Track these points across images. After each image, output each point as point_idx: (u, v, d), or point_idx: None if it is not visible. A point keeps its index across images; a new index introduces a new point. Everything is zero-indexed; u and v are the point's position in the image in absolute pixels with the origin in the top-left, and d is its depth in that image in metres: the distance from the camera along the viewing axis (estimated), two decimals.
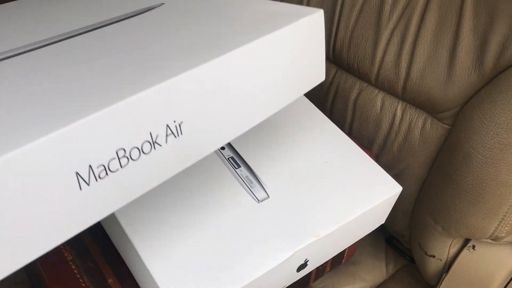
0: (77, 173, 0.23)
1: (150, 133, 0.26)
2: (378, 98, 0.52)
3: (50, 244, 0.23)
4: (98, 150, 0.23)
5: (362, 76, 0.52)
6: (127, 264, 0.39)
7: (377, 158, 0.55)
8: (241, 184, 0.39)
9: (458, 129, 0.45)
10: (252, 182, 0.40)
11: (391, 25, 0.48)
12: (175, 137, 0.27)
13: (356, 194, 0.40)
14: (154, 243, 0.35)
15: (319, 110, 0.48)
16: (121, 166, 0.25)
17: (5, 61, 0.31)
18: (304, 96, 0.48)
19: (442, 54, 0.44)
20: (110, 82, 0.26)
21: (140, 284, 0.38)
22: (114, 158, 0.24)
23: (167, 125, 0.27)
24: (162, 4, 0.41)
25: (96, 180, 0.24)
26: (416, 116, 0.49)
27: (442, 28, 0.44)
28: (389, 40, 0.48)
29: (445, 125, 0.47)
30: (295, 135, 0.45)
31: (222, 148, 0.41)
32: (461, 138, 0.44)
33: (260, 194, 0.39)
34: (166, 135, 0.27)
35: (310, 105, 0.48)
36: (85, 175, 0.23)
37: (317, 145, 0.44)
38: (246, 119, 0.32)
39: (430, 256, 0.52)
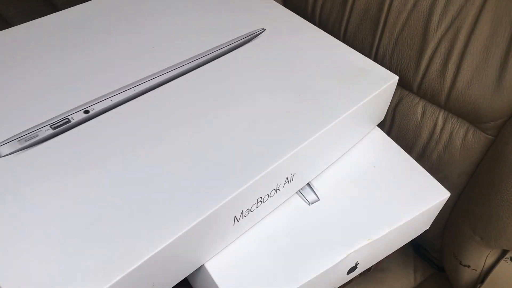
0: (235, 217, 0.34)
1: (277, 185, 0.37)
2: (419, 106, 0.52)
3: (215, 251, 0.36)
4: (249, 203, 0.35)
5: (404, 84, 0.53)
6: None
7: None
8: None
9: (503, 140, 0.45)
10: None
11: (438, 34, 0.48)
12: (288, 183, 0.38)
13: (405, 198, 0.41)
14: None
15: None
16: (257, 207, 0.36)
17: (139, 99, 0.39)
18: None
19: (492, 66, 0.45)
20: (248, 155, 0.35)
21: (193, 284, 0.39)
22: (255, 204, 0.36)
23: (287, 177, 0.37)
24: (264, 30, 0.48)
25: (243, 218, 0.35)
26: (458, 126, 0.50)
27: (494, 39, 0.44)
28: (435, 50, 0.48)
29: (489, 136, 0.47)
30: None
31: None
32: (507, 150, 0.44)
33: (310, 197, 0.40)
34: (284, 183, 0.37)
35: None
36: (238, 217, 0.35)
37: (364, 149, 0.45)
38: (329, 160, 0.43)
39: (465, 266, 0.52)
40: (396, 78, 0.43)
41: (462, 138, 0.49)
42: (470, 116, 0.48)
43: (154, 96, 0.39)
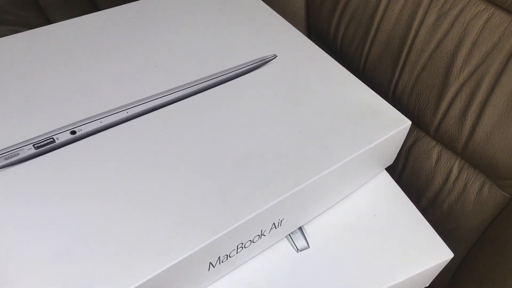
0: (210, 263, 0.32)
1: (261, 230, 0.34)
2: (434, 150, 0.49)
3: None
4: (227, 248, 0.32)
5: (421, 125, 0.50)
6: None
7: (423, 213, 0.52)
8: None
9: None
10: None
11: (461, 79, 0.45)
12: (275, 228, 0.35)
13: (404, 256, 0.38)
14: None
15: None
16: (236, 253, 0.33)
17: (129, 123, 0.37)
18: None
19: None
20: (233, 197, 0.33)
21: None
22: (234, 250, 0.33)
23: (273, 223, 0.34)
24: (275, 56, 0.45)
25: (220, 264, 0.33)
26: (473, 178, 0.46)
27: None
28: (456, 94, 0.45)
29: (506, 194, 0.44)
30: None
31: None
32: None
33: (300, 243, 0.37)
34: (270, 229, 0.35)
35: None
36: (214, 262, 0.32)
37: (366, 194, 0.42)
38: (325, 205, 0.40)
39: None
40: (409, 123, 0.40)
41: (477, 192, 0.46)
42: (488, 169, 0.45)
43: (147, 121, 0.37)
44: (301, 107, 0.40)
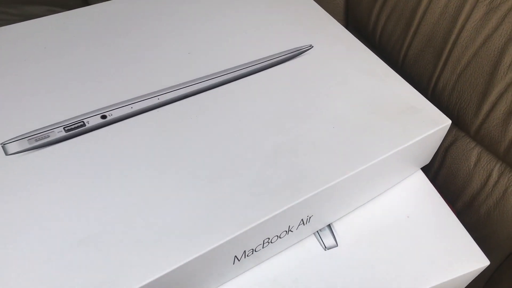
0: (235, 256, 0.31)
1: (289, 226, 0.33)
2: (474, 152, 0.47)
3: None
4: (252, 242, 0.31)
5: (461, 125, 0.47)
6: None
7: (458, 216, 0.50)
8: None
9: None
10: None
11: (508, 79, 0.42)
12: (303, 225, 0.34)
13: (437, 260, 0.36)
14: None
15: None
16: (262, 248, 0.33)
17: (160, 110, 0.36)
18: None
19: None
20: (263, 190, 0.32)
21: None
22: (260, 244, 0.32)
23: (302, 219, 0.33)
24: (311, 47, 0.44)
25: (245, 257, 0.32)
26: None
27: None
28: (501, 94, 0.43)
29: None
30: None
31: None
32: None
33: (329, 241, 0.36)
34: (298, 225, 0.34)
35: None
36: (239, 256, 0.31)
37: (400, 194, 0.40)
38: (357, 204, 0.38)
39: None
40: (449, 122, 0.38)
41: None
42: None
43: (178, 108, 0.36)
44: (336, 100, 0.38)
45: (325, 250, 0.36)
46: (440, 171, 0.50)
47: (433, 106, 0.39)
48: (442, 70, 0.48)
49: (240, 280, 0.34)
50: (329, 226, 0.37)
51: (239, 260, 0.32)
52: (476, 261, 0.37)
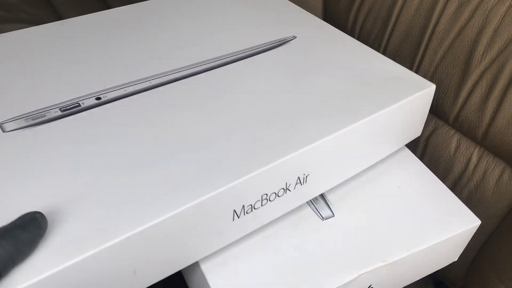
0: (234, 210, 0.31)
1: (286, 183, 0.33)
2: (453, 139, 0.49)
3: (211, 249, 0.33)
4: (251, 196, 0.32)
5: (440, 114, 0.50)
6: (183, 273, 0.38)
7: None
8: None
9: None
10: (317, 199, 0.38)
11: (482, 66, 0.45)
12: (301, 184, 0.35)
13: (429, 222, 0.38)
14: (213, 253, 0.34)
15: None
16: (261, 205, 0.33)
17: (154, 90, 0.38)
18: None
19: None
20: (259, 146, 0.33)
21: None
22: (258, 200, 0.33)
23: (298, 177, 0.34)
24: (294, 37, 0.46)
25: (244, 214, 0.32)
26: (493, 165, 0.46)
27: None
28: (477, 82, 0.45)
29: None
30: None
31: None
32: None
33: (325, 212, 0.37)
34: (295, 184, 0.34)
35: None
36: (238, 211, 0.32)
37: (389, 168, 0.42)
38: (352, 170, 0.40)
39: None
40: (433, 86, 0.40)
41: (497, 179, 0.46)
42: (508, 156, 0.44)
43: (170, 89, 0.37)
44: (322, 76, 0.40)
45: (323, 220, 0.37)
46: (422, 159, 0.52)
47: (417, 76, 0.41)
48: (420, 63, 0.50)
49: (243, 247, 0.34)
50: (323, 198, 0.38)
51: (238, 217, 0.32)
52: (468, 221, 0.39)
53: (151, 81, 0.37)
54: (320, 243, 0.35)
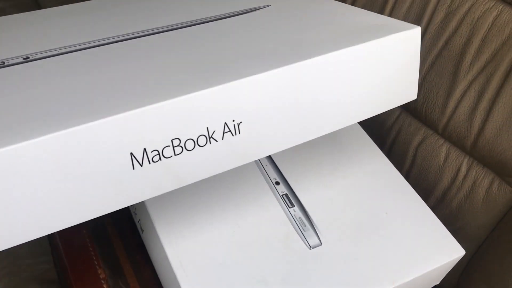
0: (131, 154, 0.25)
1: (207, 128, 0.27)
2: (443, 148, 0.49)
3: (97, 212, 0.26)
4: (153, 137, 0.25)
5: (429, 123, 0.50)
6: None
7: (432, 211, 0.52)
8: (293, 225, 0.37)
9: None
10: (305, 225, 0.38)
11: (469, 76, 0.45)
12: (232, 135, 0.28)
13: (415, 253, 0.38)
14: (200, 279, 0.34)
15: (382, 154, 0.45)
16: (174, 154, 0.27)
17: (87, 50, 0.34)
18: (370, 139, 0.46)
19: None
20: (177, 76, 0.28)
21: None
22: (168, 146, 0.26)
23: (225, 123, 0.28)
24: (268, 6, 0.42)
25: (149, 162, 0.26)
26: (482, 175, 0.46)
27: None
28: (465, 92, 0.45)
29: None
30: (355, 178, 0.42)
31: (277, 183, 0.40)
32: None
33: (313, 240, 0.37)
34: (223, 132, 0.28)
35: (374, 148, 0.46)
36: (139, 157, 0.26)
37: (378, 192, 0.42)
38: (315, 128, 0.32)
39: None
40: (418, 28, 0.35)
41: (486, 189, 0.46)
42: (497, 167, 0.44)
43: (125, 45, 0.34)
44: (293, 32, 0.35)
45: (310, 249, 0.37)
46: (412, 169, 0.52)
47: (400, 21, 0.37)
48: None
49: (225, 275, 0.34)
50: (311, 225, 0.38)
51: (141, 165, 0.26)
52: (453, 251, 0.39)
53: (90, 43, 0.35)
54: (307, 274, 0.35)
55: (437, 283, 0.42)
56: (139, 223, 0.40)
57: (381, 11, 0.51)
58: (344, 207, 0.40)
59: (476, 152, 0.46)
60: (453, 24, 0.46)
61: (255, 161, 0.41)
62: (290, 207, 0.38)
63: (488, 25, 0.44)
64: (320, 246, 0.37)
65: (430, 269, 0.37)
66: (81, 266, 0.41)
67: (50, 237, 0.46)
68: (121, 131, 0.24)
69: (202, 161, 0.28)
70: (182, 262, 0.34)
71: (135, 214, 0.40)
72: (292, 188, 0.40)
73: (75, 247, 0.42)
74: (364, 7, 0.53)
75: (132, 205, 0.41)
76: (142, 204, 0.37)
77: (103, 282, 0.40)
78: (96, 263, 0.42)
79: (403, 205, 0.41)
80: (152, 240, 0.37)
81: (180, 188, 0.37)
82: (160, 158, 0.26)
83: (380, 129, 0.55)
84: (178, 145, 0.27)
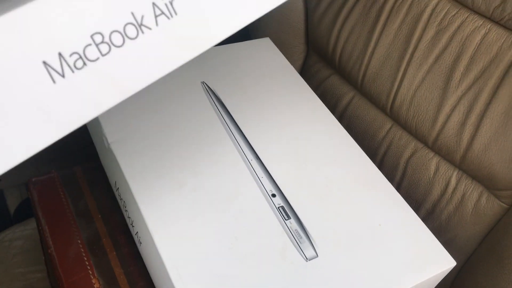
0: (44, 63, 0.20)
1: (132, 14, 0.22)
2: (432, 162, 0.50)
3: (26, 153, 0.20)
4: (65, 35, 0.20)
5: (419, 137, 0.51)
6: None
7: None
8: (289, 237, 0.38)
9: None
10: (301, 237, 0.38)
11: (459, 92, 0.46)
12: (168, 18, 0.23)
13: (408, 264, 0.39)
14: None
15: (375, 166, 0.46)
16: (101, 54, 0.21)
17: None
18: (361, 149, 0.47)
19: (511, 133, 0.42)
20: None
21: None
22: (90, 45, 0.21)
23: (153, 3, 0.22)
24: None
25: (73, 71, 0.20)
26: (471, 188, 0.47)
27: None
28: (454, 107, 0.47)
29: (503, 204, 0.45)
30: (349, 190, 0.43)
31: (273, 195, 0.40)
32: None
33: (309, 252, 0.38)
34: (155, 16, 0.22)
35: (367, 160, 0.46)
36: (55, 65, 0.20)
37: (371, 204, 0.43)
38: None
39: None
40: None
41: (475, 202, 0.47)
42: (485, 180, 0.46)
43: None
44: None
45: (307, 261, 0.37)
46: (402, 181, 0.53)
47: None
48: (399, 87, 0.51)
49: None
50: (307, 237, 0.39)
51: (62, 76, 0.20)
52: (444, 262, 0.40)
53: None
54: (303, 286, 0.36)
55: None
56: (136, 235, 0.40)
57: (373, 27, 0.53)
58: (338, 219, 0.41)
59: (465, 166, 0.47)
60: (443, 41, 0.47)
61: (251, 173, 0.41)
62: (286, 219, 0.39)
63: (477, 43, 0.45)
64: (317, 258, 0.37)
65: (423, 279, 0.38)
66: (75, 276, 0.41)
67: (44, 246, 0.46)
68: (18, 35, 0.18)
69: (141, 59, 0.23)
70: (181, 274, 0.34)
71: (133, 226, 0.40)
72: (288, 200, 0.40)
73: (69, 257, 0.42)
74: (356, 24, 0.55)
75: (129, 218, 0.41)
76: (140, 217, 0.37)
77: None
78: (90, 273, 0.42)
79: (395, 217, 0.42)
80: (151, 253, 0.37)
81: (178, 199, 0.38)
82: (84, 63, 0.21)
83: (372, 141, 0.56)
84: (102, 42, 0.21)
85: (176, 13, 0.23)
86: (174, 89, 0.48)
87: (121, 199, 0.43)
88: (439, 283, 0.45)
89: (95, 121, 0.44)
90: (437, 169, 0.50)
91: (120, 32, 0.21)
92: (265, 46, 0.56)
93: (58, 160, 0.68)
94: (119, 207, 0.45)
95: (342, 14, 0.56)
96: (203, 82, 0.49)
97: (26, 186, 0.48)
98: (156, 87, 0.47)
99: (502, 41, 0.43)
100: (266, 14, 0.58)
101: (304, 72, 0.65)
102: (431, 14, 0.48)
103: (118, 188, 0.43)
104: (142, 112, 0.44)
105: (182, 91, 0.48)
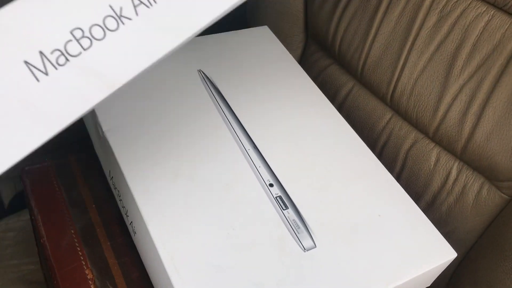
0: (26, 62, 0.20)
1: (111, 6, 0.22)
2: (433, 152, 0.49)
3: (18, 154, 0.20)
4: (44, 33, 0.20)
5: (420, 127, 0.50)
6: None
7: None
8: (287, 227, 0.37)
9: None
10: (299, 228, 0.38)
11: (461, 80, 0.45)
12: (148, 7, 0.23)
13: (409, 255, 0.38)
14: (194, 282, 0.33)
15: (374, 156, 0.45)
16: (83, 48, 0.21)
17: None
18: (362, 141, 0.46)
19: None
20: None
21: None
22: (70, 40, 0.21)
23: None
24: None
25: (56, 68, 0.21)
26: (472, 180, 0.47)
27: None
28: (456, 96, 0.46)
29: (504, 195, 0.44)
30: (349, 180, 0.42)
31: (271, 185, 0.39)
32: None
33: (307, 243, 0.37)
34: (134, 6, 0.22)
35: (367, 150, 0.46)
36: (37, 64, 0.20)
37: (370, 194, 0.42)
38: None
39: None
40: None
41: (476, 193, 0.46)
42: (487, 171, 0.45)
43: None
44: None
45: (305, 251, 0.36)
46: (402, 172, 0.52)
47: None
48: (399, 76, 0.50)
49: (221, 279, 0.34)
50: (305, 227, 0.38)
51: (46, 74, 0.21)
52: (445, 253, 0.39)
53: None
54: (301, 277, 0.35)
55: (428, 285, 0.42)
56: (131, 225, 0.39)
57: (373, 15, 0.52)
58: (337, 209, 0.40)
59: (466, 156, 0.46)
60: (445, 28, 0.46)
61: (249, 162, 0.40)
62: (284, 209, 0.38)
63: (480, 30, 0.44)
64: (315, 249, 0.37)
65: (424, 271, 0.37)
66: (68, 267, 0.40)
67: (37, 236, 0.45)
68: None
69: (124, 50, 0.22)
70: (176, 265, 0.33)
71: (127, 216, 0.40)
72: (286, 190, 0.39)
73: (62, 247, 0.42)
74: (356, 12, 0.54)
75: (123, 207, 0.40)
76: (134, 206, 0.36)
77: (90, 283, 0.39)
78: (83, 263, 0.41)
79: (395, 208, 0.41)
80: (145, 243, 0.36)
81: (173, 188, 0.37)
82: (67, 59, 0.21)
83: (371, 132, 0.55)
84: (83, 37, 0.21)
85: (155, 1, 0.23)
86: (171, 77, 0.47)
87: (115, 188, 0.42)
88: (439, 275, 0.44)
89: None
90: (437, 160, 0.49)
91: (100, 26, 0.22)
92: (263, 35, 0.55)
93: (53, 151, 0.67)
94: (113, 197, 0.44)
95: (342, 2, 0.55)
96: (200, 70, 0.48)
97: (19, 175, 0.47)
98: (152, 76, 0.46)
99: (506, 27, 0.42)
100: (265, 2, 0.57)
101: (303, 61, 0.64)
102: (433, 1, 0.47)
103: (112, 177, 0.42)
104: (137, 101, 0.44)
105: (178, 80, 0.47)
